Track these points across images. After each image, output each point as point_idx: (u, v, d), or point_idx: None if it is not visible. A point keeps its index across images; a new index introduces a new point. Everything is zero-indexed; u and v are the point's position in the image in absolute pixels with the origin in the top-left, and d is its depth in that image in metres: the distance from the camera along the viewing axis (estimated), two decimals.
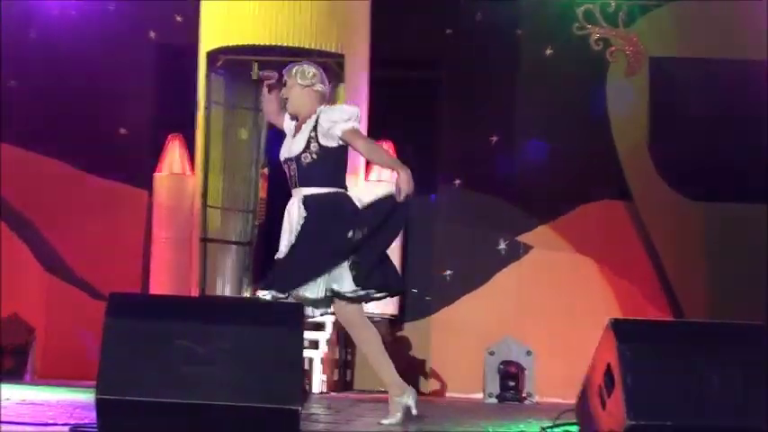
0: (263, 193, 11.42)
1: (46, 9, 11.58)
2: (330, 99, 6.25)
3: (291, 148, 5.90)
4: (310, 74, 5.97)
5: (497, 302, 11.06)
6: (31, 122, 11.35)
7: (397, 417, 5.86)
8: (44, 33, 11.54)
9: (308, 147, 5.82)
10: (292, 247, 5.83)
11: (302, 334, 4.75)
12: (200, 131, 10.73)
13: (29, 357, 10.50)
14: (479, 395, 10.30)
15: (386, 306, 10.56)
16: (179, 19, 11.49)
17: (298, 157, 5.84)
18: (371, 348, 5.95)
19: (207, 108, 10.80)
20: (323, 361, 10.02)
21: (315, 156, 5.81)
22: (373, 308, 10.49)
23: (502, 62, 11.33)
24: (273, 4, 10.39)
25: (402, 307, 10.95)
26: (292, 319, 4.76)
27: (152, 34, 11.63)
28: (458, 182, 11.32)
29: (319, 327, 10.09)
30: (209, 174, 10.92)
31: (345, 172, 6.01)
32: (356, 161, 9.92)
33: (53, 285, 11.32)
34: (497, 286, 11.16)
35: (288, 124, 6.08)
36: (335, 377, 10.49)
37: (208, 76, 10.80)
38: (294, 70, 6.01)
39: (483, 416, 7.34)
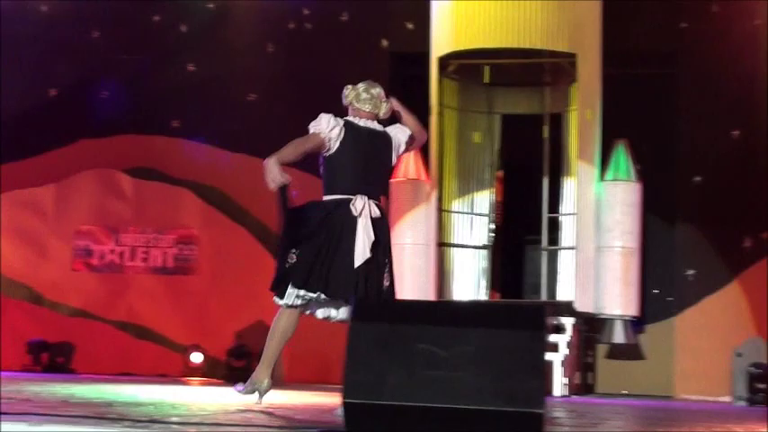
0: (498, 196, 11.43)
1: (283, 22, 11.92)
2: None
3: None
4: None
5: (743, 302, 10.73)
6: (270, 134, 11.63)
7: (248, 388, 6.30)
8: (282, 47, 11.88)
9: None
10: None
11: (545, 336, 4.72)
12: (434, 137, 10.81)
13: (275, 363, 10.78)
14: (727, 398, 10.02)
15: (626, 307, 10.42)
16: (410, 26, 11.62)
17: None
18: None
19: (440, 113, 10.89)
20: (563, 364, 9.94)
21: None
22: (612, 309, 10.38)
23: (741, 54, 10.98)
24: (504, 6, 10.39)
25: (643, 308, 10.75)
26: (534, 321, 4.74)
27: (384, 42, 11.80)
28: (698, 179, 11.03)
29: (559, 329, 10.02)
30: (443, 178, 11.00)
31: (341, 177, 6.15)
32: None
33: None
34: (743, 285, 10.82)
35: None
36: (577, 380, 10.38)
37: (440, 81, 10.88)
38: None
39: (734, 419, 7.13)
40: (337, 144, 6.18)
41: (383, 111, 6.33)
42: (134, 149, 12.04)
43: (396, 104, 6.34)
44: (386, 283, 6.08)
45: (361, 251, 5.93)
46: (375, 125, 6.26)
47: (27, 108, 12.27)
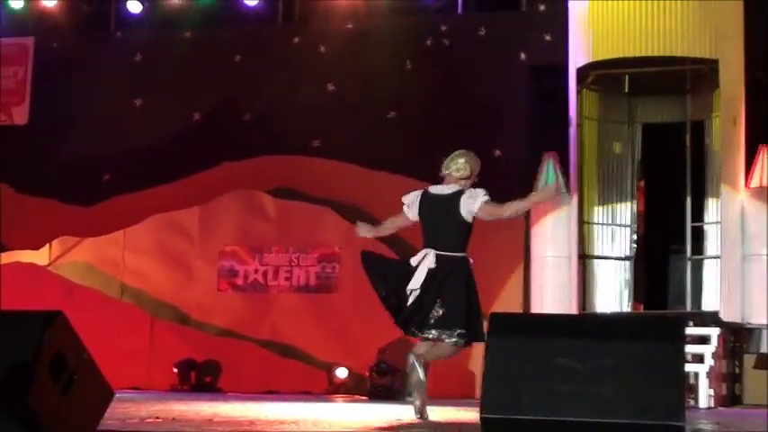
0: (640, 207, 11.29)
1: (421, 39, 12.00)
2: None
3: None
4: None
5: None
6: (408, 151, 11.74)
7: None
8: (420, 64, 11.96)
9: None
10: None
11: (684, 348, 4.67)
12: (574, 148, 10.75)
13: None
14: None
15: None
16: (548, 38, 11.58)
17: None
18: None
19: (579, 124, 10.81)
20: (709, 375, 9.75)
21: None
22: (759, 318, 10.15)
23: None
24: (642, 14, 10.27)
25: None
26: (673, 333, 4.69)
27: (523, 56, 11.78)
28: None
29: (704, 340, 9.84)
30: (584, 190, 10.91)
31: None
32: None
33: None
34: None
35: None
36: (723, 391, 10.17)
37: (579, 93, 10.81)
38: None
39: None
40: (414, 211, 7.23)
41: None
42: (275, 170, 12.25)
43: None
44: (438, 311, 6.96)
45: (411, 286, 7.01)
46: (449, 189, 7.13)
47: (173, 132, 12.60)
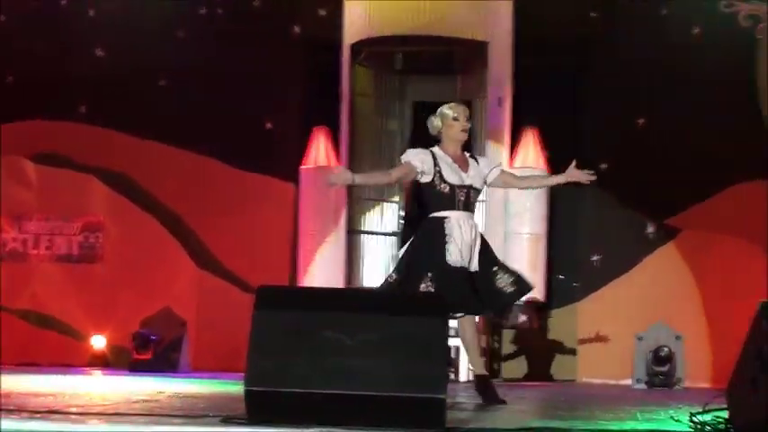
0: (408, 183, 11.45)
1: (194, 8, 11.83)
2: None
3: (466, 179, 6.78)
4: None
5: (646, 287, 10.90)
6: (179, 120, 11.62)
7: None
8: (192, 33, 11.79)
9: (478, 183, 6.87)
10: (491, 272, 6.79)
11: (447, 323, 4.77)
12: (346, 123, 10.81)
13: (181, 351, 10.74)
14: (629, 381, 10.19)
15: (532, 292, 10.51)
16: (322, 13, 11.59)
17: (475, 189, 6.86)
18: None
19: (352, 100, 10.88)
20: None
21: (478, 193, 6.93)
22: None
23: (648, 43, 11.13)
24: None
25: (548, 293, 10.88)
26: (437, 308, 4.79)
27: (296, 29, 11.76)
28: (604, 166, 11.15)
29: None
30: (355, 165, 10.99)
31: None
32: None
33: (204, 280, 11.60)
34: (646, 271, 11.00)
35: (437, 152, 6.84)
36: None
37: (352, 68, 10.88)
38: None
39: (632, 402, 7.25)
40: None
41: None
42: (38, 136, 11.87)
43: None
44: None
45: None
46: None
47: None
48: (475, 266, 6.71)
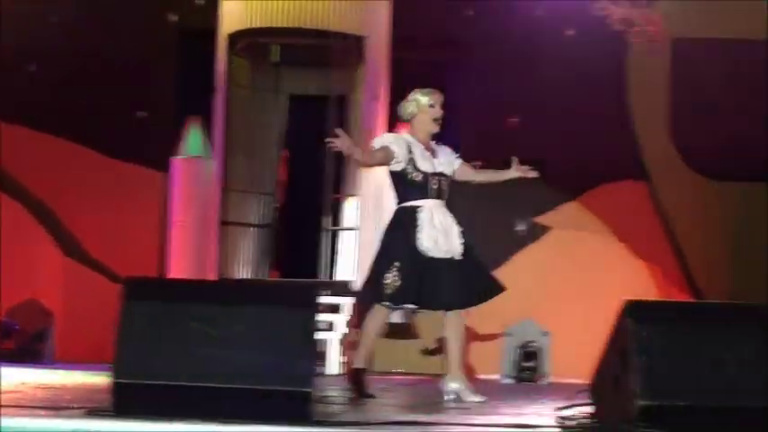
0: (283, 176, 11.44)
1: None
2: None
3: (438, 166, 6.72)
4: None
5: (515, 284, 10.96)
6: (50, 106, 11.41)
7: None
8: (65, 18, 11.57)
9: (449, 171, 6.79)
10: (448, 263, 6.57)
11: (316, 316, 4.77)
12: (221, 114, 10.74)
13: (47, 341, 10.53)
14: (497, 376, 10.32)
15: None
16: (200, 1, 11.48)
17: (446, 177, 6.77)
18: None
19: (227, 91, 10.80)
20: (341, 343, 10.02)
21: (448, 180, 6.80)
22: None
23: (522, 43, 11.27)
24: None
25: None
26: (306, 301, 4.78)
27: (173, 17, 11.63)
28: (477, 163, 11.23)
29: (336, 309, 10.10)
30: (228, 157, 10.93)
31: None
32: None
33: (71, 269, 11.40)
34: (516, 267, 11.13)
35: (409, 139, 6.75)
36: (352, 359, 10.46)
37: (228, 59, 10.80)
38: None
39: (499, 396, 7.34)
40: None
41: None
42: None
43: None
44: None
45: None
46: None
47: None
48: (459, 253, 6.60)
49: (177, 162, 10.86)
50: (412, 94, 6.89)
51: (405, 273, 6.43)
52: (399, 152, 6.62)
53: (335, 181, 11.11)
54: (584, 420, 4.93)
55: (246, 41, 10.91)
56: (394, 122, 10.86)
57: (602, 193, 11.14)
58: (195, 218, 10.66)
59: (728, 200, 11.07)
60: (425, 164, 6.67)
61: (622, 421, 4.46)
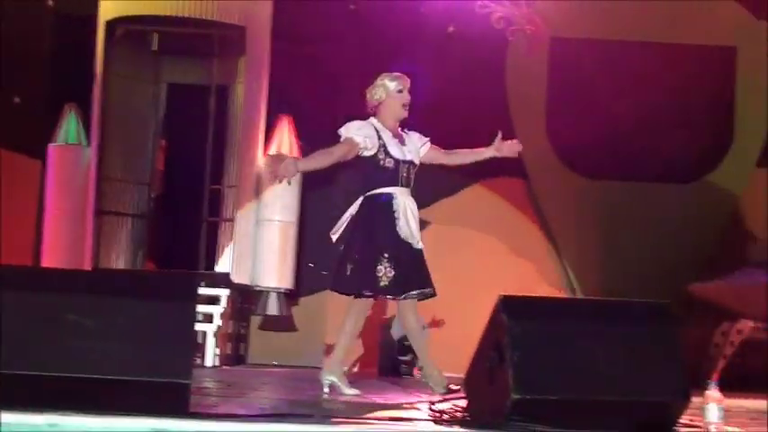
0: (160, 165, 11.32)
1: None
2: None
3: (407, 153, 6.66)
4: None
5: None
6: None
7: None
8: None
9: (416, 158, 6.73)
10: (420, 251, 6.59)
11: (195, 307, 4.75)
12: (98, 102, 10.58)
13: None
14: (374, 369, 10.37)
15: (280, 280, 10.58)
16: None
17: (414, 165, 6.69)
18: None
19: (105, 78, 10.65)
20: (216, 335, 9.98)
21: (415, 168, 6.75)
22: (267, 282, 10.52)
23: (404, 39, 11.31)
24: None
25: (298, 281, 10.95)
26: (185, 292, 4.75)
27: (50, 1, 11.43)
28: None
29: (214, 300, 10.05)
30: (106, 145, 10.77)
31: None
32: None
33: None
34: None
35: (377, 125, 6.70)
36: (229, 351, 10.46)
37: (106, 46, 10.65)
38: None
39: (375, 390, 7.39)
40: None
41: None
42: None
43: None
44: None
45: None
46: None
47: None
48: (420, 243, 6.55)
49: (53, 149, 10.70)
50: (379, 78, 6.80)
51: (396, 262, 6.37)
52: (368, 139, 6.51)
53: (215, 171, 11.02)
54: (458, 413, 4.99)
55: (125, 29, 10.76)
56: (274, 113, 10.89)
57: (479, 189, 11.25)
58: (70, 206, 10.51)
59: (602, 198, 11.27)
60: (396, 151, 6.59)
61: (496, 415, 4.53)
